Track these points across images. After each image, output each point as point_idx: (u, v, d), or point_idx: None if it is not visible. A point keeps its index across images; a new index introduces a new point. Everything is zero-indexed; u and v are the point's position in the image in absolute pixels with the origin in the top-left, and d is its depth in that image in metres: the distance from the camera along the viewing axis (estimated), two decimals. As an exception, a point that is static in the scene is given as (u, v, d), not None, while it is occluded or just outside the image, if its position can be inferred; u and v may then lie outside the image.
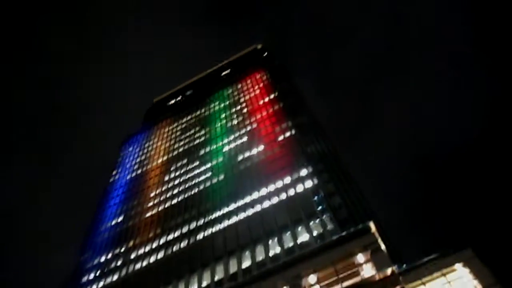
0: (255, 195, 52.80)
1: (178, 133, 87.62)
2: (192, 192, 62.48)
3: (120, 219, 66.84)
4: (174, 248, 52.70)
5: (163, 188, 68.56)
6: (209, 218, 54.17)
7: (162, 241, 55.55)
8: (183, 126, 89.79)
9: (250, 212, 50.58)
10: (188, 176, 68.03)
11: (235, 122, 76.77)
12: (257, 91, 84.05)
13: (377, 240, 33.75)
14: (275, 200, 49.92)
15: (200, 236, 51.98)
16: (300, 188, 49.18)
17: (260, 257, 43.11)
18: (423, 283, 30.63)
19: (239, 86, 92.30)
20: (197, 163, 70.22)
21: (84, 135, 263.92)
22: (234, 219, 50.94)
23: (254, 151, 63.31)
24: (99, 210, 73.56)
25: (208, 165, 67.40)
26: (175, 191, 65.74)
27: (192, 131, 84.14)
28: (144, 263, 52.97)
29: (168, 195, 65.77)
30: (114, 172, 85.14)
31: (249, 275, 39.94)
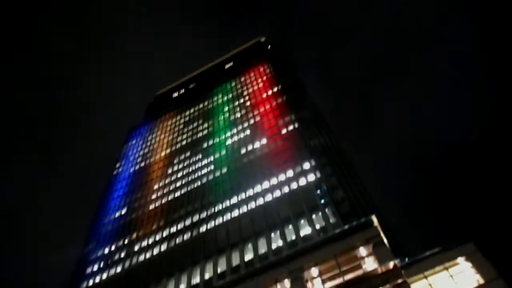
0: (258, 188, 52.89)
1: (181, 126, 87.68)
2: (195, 185, 62.66)
3: (124, 211, 67.22)
4: (177, 241, 53.02)
5: (167, 181, 68.79)
6: (212, 211, 54.39)
7: (165, 233, 55.88)
8: (186, 119, 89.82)
9: (253, 205, 50.72)
10: (191, 169, 68.19)
11: (238, 115, 76.69)
12: (261, 84, 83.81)
13: (379, 234, 33.76)
14: (277, 193, 50.00)
15: (203, 228, 52.22)
16: (303, 181, 49.21)
17: (262, 250, 43.32)
18: (425, 277, 30.69)
19: (242, 79, 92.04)
20: (200, 156, 70.32)
21: (84, 135, 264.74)
22: (237, 212, 51.10)
23: (257, 144, 63.30)
24: (102, 202, 73.97)
25: (211, 158, 67.49)
26: (178, 184, 65.95)
27: (195, 124, 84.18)
28: (148, 255, 53.34)
29: (171, 188, 66.01)
30: (117, 165, 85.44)
31: (251, 267, 40.16)
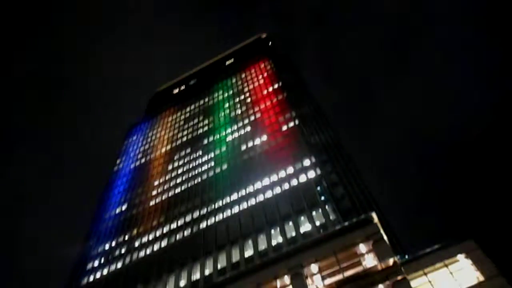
0: (258, 185, 52.91)
1: (182, 122, 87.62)
2: (196, 182, 62.68)
3: (124, 207, 67.30)
4: (178, 237, 53.11)
5: (167, 177, 68.82)
6: (212, 207, 54.44)
7: (165, 229, 55.96)
8: (187, 115, 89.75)
9: (253, 201, 50.74)
10: (191, 165, 68.20)
11: (238, 111, 76.60)
12: (261, 81, 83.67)
13: (379, 231, 33.74)
14: (278, 190, 50.01)
15: (203, 225, 52.29)
16: (303, 178, 49.20)
17: (262, 246, 43.39)
18: (425, 274, 30.70)
19: (243, 75, 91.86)
20: (200, 152, 70.33)
21: (84, 132, 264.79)
22: (237, 209, 51.15)
23: (258, 141, 63.27)
24: (103, 198, 74.08)
25: (212, 154, 67.49)
26: (179, 180, 65.98)
27: (196, 121, 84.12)
28: (148, 251, 53.46)
29: (171, 184, 66.04)
30: (118, 161, 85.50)
31: (251, 264, 40.22)
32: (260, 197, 50.58)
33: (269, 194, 50.26)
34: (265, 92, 77.95)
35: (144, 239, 56.25)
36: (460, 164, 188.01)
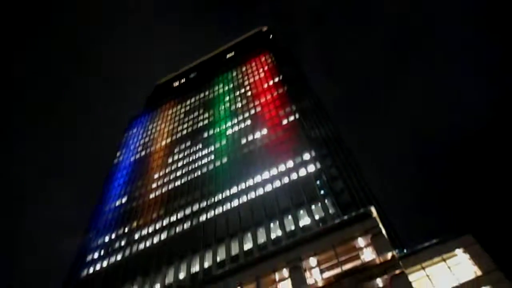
0: (258, 178, 52.99)
1: (182, 115, 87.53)
2: (195, 175, 62.78)
3: (124, 200, 67.47)
4: (177, 230, 53.32)
5: (167, 170, 68.91)
6: (212, 200, 54.57)
7: (165, 222, 56.15)
8: (187, 108, 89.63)
9: (252, 195, 50.86)
10: (191, 158, 68.25)
11: (239, 105, 76.49)
12: (262, 74, 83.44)
13: (378, 225, 33.82)
14: (277, 183, 50.10)
15: (202, 218, 52.46)
16: (302, 172, 49.27)
17: (261, 239, 43.56)
18: (423, 268, 30.83)
19: (244, 69, 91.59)
20: (200, 145, 70.34)
21: (85, 125, 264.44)
22: (236, 202, 51.28)
23: (258, 134, 63.25)
24: (103, 191, 74.23)
25: (212, 148, 67.51)
26: (179, 173, 66.07)
27: (196, 114, 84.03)
28: (148, 244, 53.69)
29: (171, 177, 66.15)
30: (118, 154, 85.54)
31: (250, 257, 40.42)
32: (260, 191, 50.69)
33: (268, 187, 50.36)
34: (265, 85, 77.77)
35: (144, 232, 56.46)
36: (460, 164, 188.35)
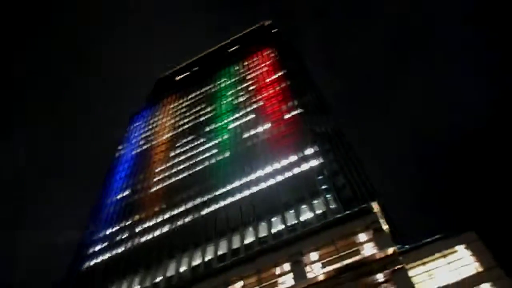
0: (260, 172, 52.97)
1: (184, 109, 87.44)
2: (198, 168, 62.84)
3: (126, 193, 67.68)
4: (179, 223, 53.44)
5: (169, 164, 69.01)
6: (214, 194, 54.63)
7: (167, 215, 56.30)
8: (189, 102, 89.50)
9: (254, 189, 50.87)
10: (193, 152, 68.28)
11: (241, 99, 76.34)
12: (265, 69, 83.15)
13: (379, 220, 33.86)
14: (279, 178, 50.07)
15: (204, 211, 52.56)
16: (305, 167, 49.20)
17: (262, 233, 43.60)
18: (424, 263, 30.89)
19: (246, 63, 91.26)
20: (202, 139, 70.32)
21: (87, 119, 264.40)
22: (238, 196, 51.32)
23: (260, 129, 63.16)
24: (105, 184, 74.44)
25: (214, 142, 67.49)
26: (181, 167, 66.15)
27: (198, 108, 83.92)
28: (149, 237, 53.87)
29: (173, 171, 66.24)
30: (120, 147, 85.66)
31: (251, 251, 40.50)
32: (262, 185, 50.68)
33: (270, 182, 50.34)
34: (268, 79, 77.52)
35: (145, 225, 56.65)
36: (460, 164, 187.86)
